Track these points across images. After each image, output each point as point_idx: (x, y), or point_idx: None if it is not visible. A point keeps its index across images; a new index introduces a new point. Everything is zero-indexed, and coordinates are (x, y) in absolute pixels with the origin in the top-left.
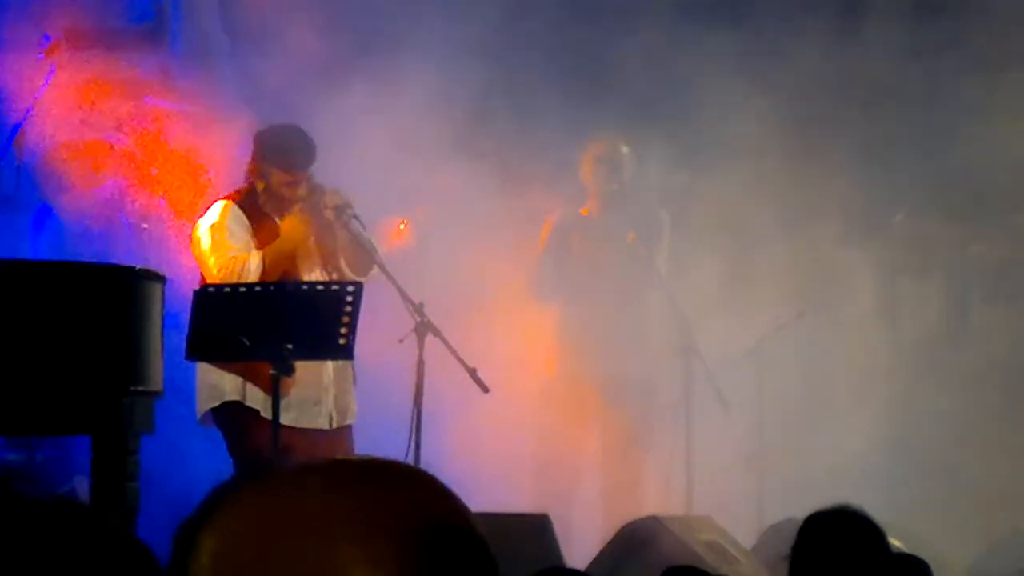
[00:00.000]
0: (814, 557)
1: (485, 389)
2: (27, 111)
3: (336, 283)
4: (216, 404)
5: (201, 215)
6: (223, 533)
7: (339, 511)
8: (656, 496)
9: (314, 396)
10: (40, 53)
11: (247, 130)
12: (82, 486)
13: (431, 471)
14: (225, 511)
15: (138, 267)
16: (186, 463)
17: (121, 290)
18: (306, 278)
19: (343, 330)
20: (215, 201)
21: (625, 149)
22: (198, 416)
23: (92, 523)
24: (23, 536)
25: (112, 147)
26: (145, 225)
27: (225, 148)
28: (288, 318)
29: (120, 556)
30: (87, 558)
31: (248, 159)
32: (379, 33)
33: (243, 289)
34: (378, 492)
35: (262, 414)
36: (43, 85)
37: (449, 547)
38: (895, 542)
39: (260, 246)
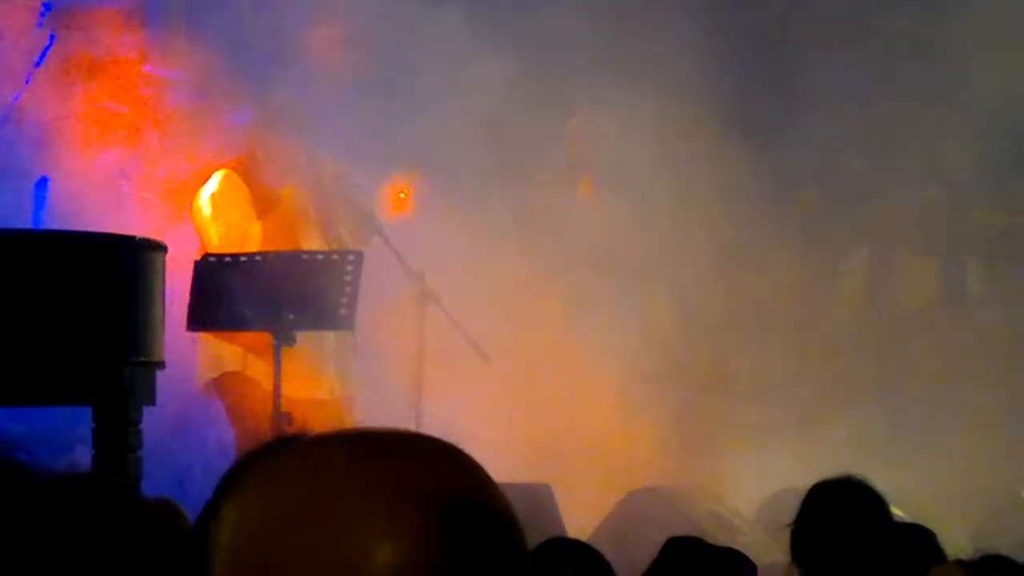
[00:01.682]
0: (817, 526)
1: (485, 358)
2: (26, 80)
3: (336, 252)
4: (217, 374)
5: (201, 183)
6: (245, 502)
7: (364, 482)
8: (655, 466)
9: (315, 366)
10: (39, 22)
11: (245, 96)
12: (84, 456)
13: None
14: (247, 480)
15: (138, 236)
16: (188, 433)
17: (121, 260)
18: (306, 247)
19: (344, 300)
20: (215, 169)
21: None
22: (199, 386)
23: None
24: (43, 509)
25: (112, 116)
26: (147, 194)
27: (223, 114)
28: (289, 288)
29: (136, 523)
30: (109, 527)
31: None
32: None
33: (243, 258)
34: (405, 464)
35: (263, 384)
36: (42, 54)
37: (476, 525)
38: (896, 511)
39: (260, 215)
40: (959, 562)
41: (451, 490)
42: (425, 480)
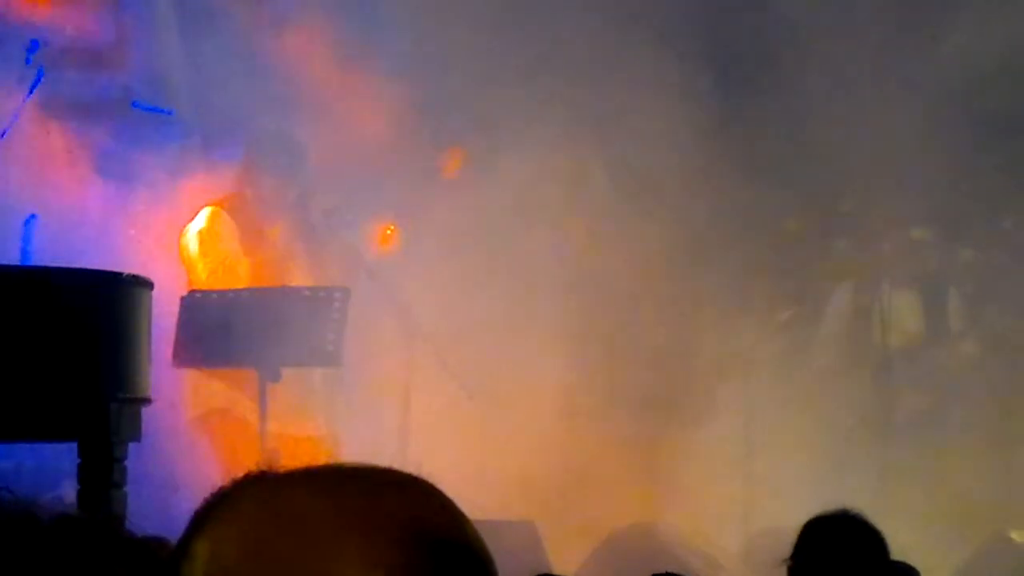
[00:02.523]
0: (815, 561)
1: (470, 394)
2: (14, 116)
3: (323, 288)
4: (203, 410)
5: (189, 221)
6: (217, 538)
7: (335, 516)
8: (641, 502)
9: (302, 402)
10: (28, 58)
11: (233, 134)
12: (71, 491)
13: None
14: (219, 516)
15: (125, 273)
16: (174, 469)
17: (108, 296)
18: (293, 283)
19: (331, 336)
20: (203, 206)
21: None
22: (185, 422)
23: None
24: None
25: (100, 153)
26: (134, 231)
27: (211, 151)
28: (276, 323)
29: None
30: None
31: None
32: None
33: (230, 294)
34: (376, 499)
35: (249, 420)
36: (31, 90)
37: (448, 558)
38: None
39: (248, 251)
40: None
41: (423, 524)
42: (397, 514)
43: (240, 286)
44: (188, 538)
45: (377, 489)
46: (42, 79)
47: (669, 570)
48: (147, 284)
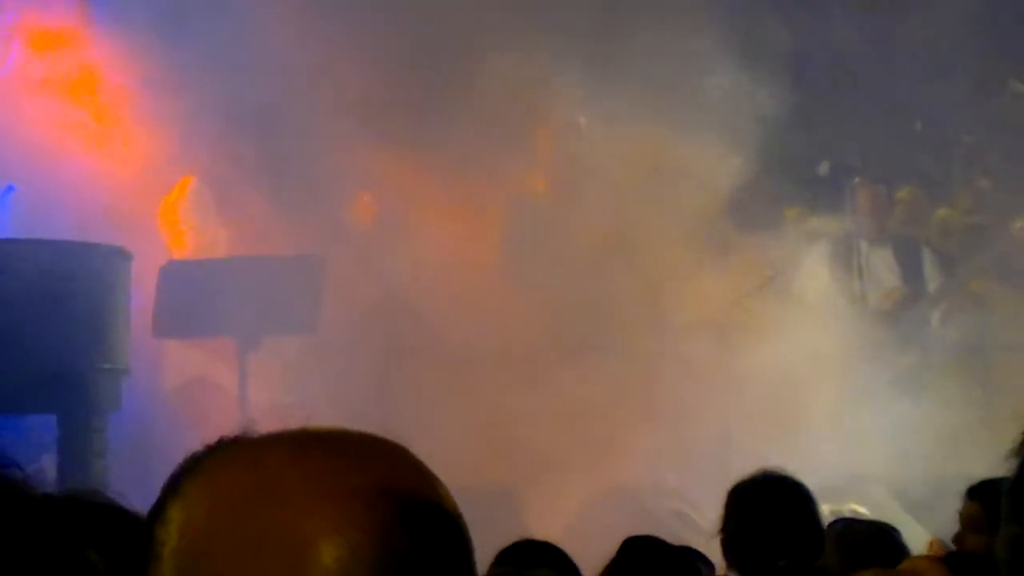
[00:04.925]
0: (739, 527)
1: (450, 360)
2: None
3: (300, 256)
4: (182, 379)
5: (168, 191)
6: (190, 502)
7: (306, 480)
8: (624, 467)
9: (280, 370)
10: (2, 33)
11: (214, 103)
12: (50, 465)
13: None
14: (192, 481)
15: (103, 244)
16: (154, 438)
17: (86, 268)
18: (271, 252)
19: (308, 304)
20: (182, 176)
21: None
22: (165, 391)
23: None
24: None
25: (76, 124)
26: (113, 202)
27: (189, 121)
28: (253, 292)
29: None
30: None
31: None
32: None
33: (208, 263)
34: (348, 461)
35: (229, 389)
36: (7, 63)
37: (420, 518)
38: (857, 508)
39: (226, 221)
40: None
41: (395, 485)
42: (369, 476)
43: (218, 256)
44: (162, 502)
45: (349, 452)
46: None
47: (647, 534)
48: (126, 255)
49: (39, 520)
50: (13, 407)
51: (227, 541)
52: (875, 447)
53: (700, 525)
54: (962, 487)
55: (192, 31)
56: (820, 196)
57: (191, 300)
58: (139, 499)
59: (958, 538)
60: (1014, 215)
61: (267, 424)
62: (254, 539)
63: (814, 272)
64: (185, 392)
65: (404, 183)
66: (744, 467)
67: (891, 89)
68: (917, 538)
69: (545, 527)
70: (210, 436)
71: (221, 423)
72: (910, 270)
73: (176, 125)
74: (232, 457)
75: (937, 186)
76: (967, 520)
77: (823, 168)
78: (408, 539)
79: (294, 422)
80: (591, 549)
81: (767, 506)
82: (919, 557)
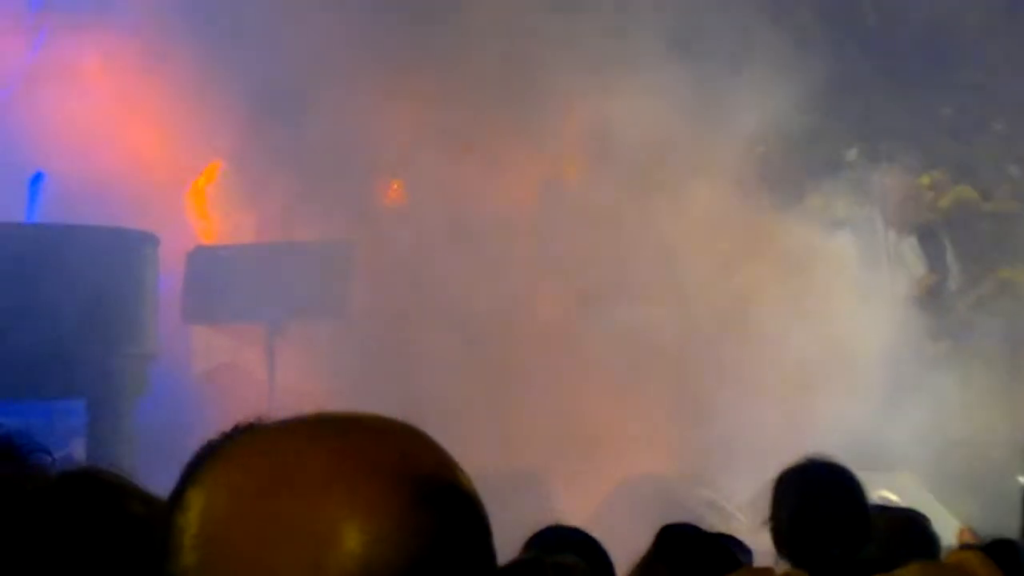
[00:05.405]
0: (789, 513)
1: (478, 344)
2: (19, 77)
3: (329, 242)
4: (211, 364)
5: (196, 176)
6: (210, 488)
7: (326, 464)
8: (654, 452)
9: (309, 355)
10: (31, 20)
11: (239, 88)
12: (79, 450)
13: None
14: (211, 468)
15: (130, 229)
16: (182, 423)
17: (114, 252)
18: (299, 237)
19: (337, 289)
20: (210, 162)
21: None
22: (193, 376)
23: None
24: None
25: (106, 112)
26: (142, 188)
27: (217, 107)
28: (282, 277)
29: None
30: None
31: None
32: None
33: (237, 249)
34: (365, 444)
35: (257, 374)
36: (34, 50)
37: (441, 499)
38: (891, 495)
39: (254, 206)
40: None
41: (414, 468)
42: (389, 459)
43: (246, 241)
44: (182, 489)
45: (367, 435)
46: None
47: (679, 520)
48: (153, 240)
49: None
50: (42, 392)
51: (250, 528)
52: (906, 434)
53: (730, 512)
54: (993, 476)
55: (220, 16)
56: (848, 182)
57: (220, 285)
58: (167, 483)
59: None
60: None
61: (295, 410)
62: (277, 525)
63: (841, 259)
64: (214, 377)
65: (434, 167)
66: (774, 455)
67: (920, 75)
68: (948, 526)
69: (574, 513)
70: (238, 421)
71: (249, 408)
72: (938, 258)
73: (204, 110)
74: (250, 444)
75: (967, 173)
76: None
77: (851, 154)
78: (431, 521)
79: (322, 407)
80: (620, 535)
81: (818, 492)
82: (964, 550)
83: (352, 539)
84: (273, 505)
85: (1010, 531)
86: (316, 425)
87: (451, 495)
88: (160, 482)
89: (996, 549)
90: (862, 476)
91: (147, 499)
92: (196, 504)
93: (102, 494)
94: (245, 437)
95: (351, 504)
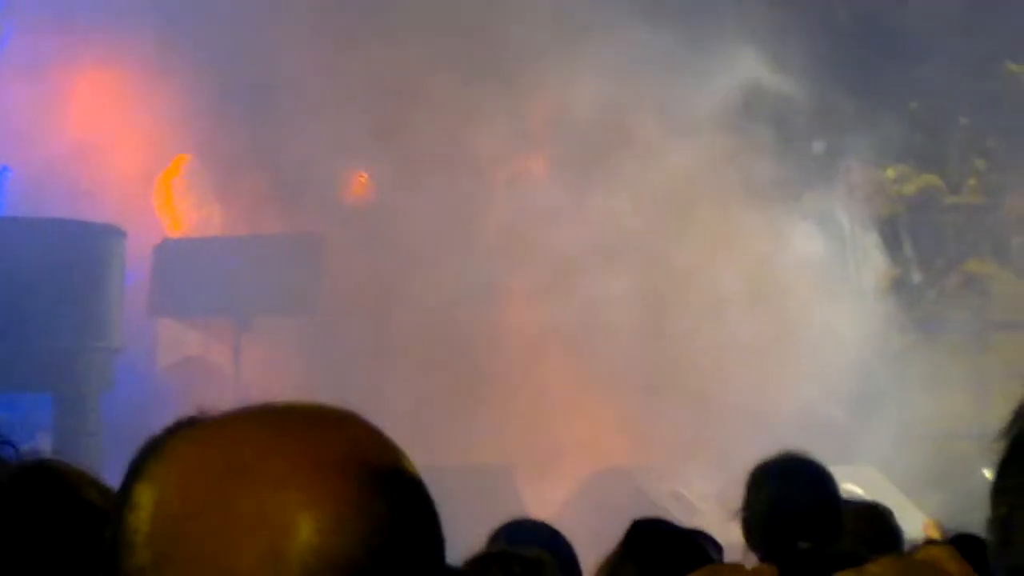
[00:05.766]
0: (762, 507)
1: (451, 341)
2: None
3: (296, 235)
4: (177, 358)
5: (163, 170)
6: (160, 485)
7: (278, 455)
8: (619, 446)
9: (276, 349)
10: None
11: (205, 83)
12: (45, 445)
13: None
14: (159, 462)
15: (96, 223)
16: (149, 418)
17: (79, 246)
18: (267, 231)
19: (305, 283)
20: (177, 155)
21: None
22: (159, 370)
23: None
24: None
25: (71, 105)
26: (108, 181)
27: (184, 101)
28: (249, 271)
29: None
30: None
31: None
32: None
33: (204, 242)
34: (314, 434)
35: (224, 368)
36: (1, 43)
37: (391, 485)
38: (855, 488)
39: (221, 199)
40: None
41: (363, 457)
42: (339, 447)
43: (214, 234)
44: (128, 487)
45: (315, 424)
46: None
47: (646, 514)
48: (119, 233)
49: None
50: (7, 386)
51: (205, 524)
52: (872, 428)
53: (696, 506)
54: (958, 469)
55: (186, 9)
56: (814, 175)
57: (186, 279)
58: None
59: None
60: (1009, 195)
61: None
62: (232, 519)
63: (807, 253)
64: (180, 371)
65: (400, 161)
66: (739, 448)
67: (886, 69)
68: (912, 519)
69: (541, 507)
70: (180, 416)
71: (216, 402)
72: (904, 252)
73: (171, 104)
74: (197, 438)
75: (933, 167)
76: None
77: (818, 147)
78: (386, 508)
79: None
80: (585, 528)
81: (789, 487)
82: (933, 545)
83: (309, 529)
84: (227, 499)
85: (975, 525)
86: (263, 416)
87: (401, 481)
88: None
89: (961, 544)
90: (829, 469)
91: (105, 490)
92: (146, 501)
93: (59, 485)
94: (190, 431)
95: (306, 495)
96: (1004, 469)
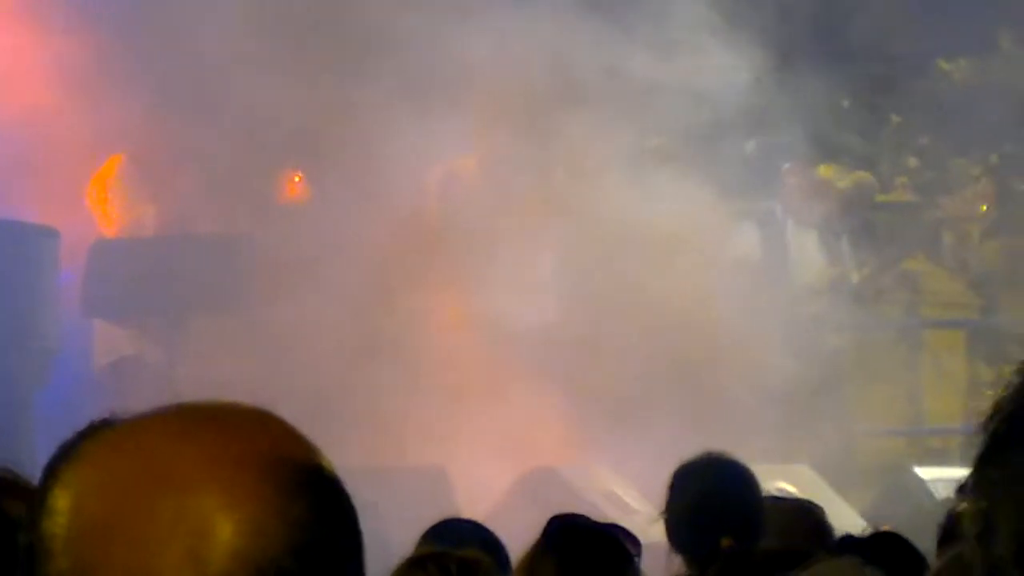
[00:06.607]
0: (688, 509)
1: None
2: None
3: (229, 235)
4: (113, 358)
5: (97, 169)
6: (77, 490)
7: (196, 457)
8: (552, 444)
9: (213, 348)
10: None
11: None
12: None
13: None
14: (75, 467)
15: (29, 223)
16: (85, 417)
17: (12, 246)
18: (200, 231)
19: (238, 282)
20: (111, 155)
21: None
22: (95, 370)
23: None
24: None
25: (5, 105)
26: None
27: (118, 100)
28: (183, 271)
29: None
30: None
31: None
32: None
33: (137, 242)
34: (233, 434)
35: (160, 368)
36: None
37: (311, 485)
38: (789, 487)
39: (155, 199)
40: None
41: (282, 453)
42: (255, 446)
43: (148, 234)
44: (43, 494)
45: (229, 424)
46: None
47: (576, 513)
48: (52, 233)
49: None
50: None
51: (123, 529)
52: (806, 426)
53: (630, 505)
54: (891, 467)
55: (121, 5)
56: (747, 175)
57: (121, 279)
58: None
59: None
60: (943, 193)
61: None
62: (151, 523)
63: (740, 252)
64: (116, 370)
65: (331, 160)
66: (674, 448)
67: (818, 68)
68: (845, 516)
69: (472, 506)
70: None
71: (151, 402)
72: (839, 251)
73: (105, 102)
74: (113, 440)
75: (866, 165)
76: None
77: (749, 146)
78: (305, 507)
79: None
80: (517, 527)
81: (711, 487)
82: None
83: (228, 531)
84: (145, 502)
85: (906, 520)
86: (178, 417)
87: (321, 480)
88: None
89: (879, 542)
90: (761, 469)
91: (29, 495)
92: (63, 507)
93: None
94: (104, 435)
95: (225, 496)
96: (983, 463)
